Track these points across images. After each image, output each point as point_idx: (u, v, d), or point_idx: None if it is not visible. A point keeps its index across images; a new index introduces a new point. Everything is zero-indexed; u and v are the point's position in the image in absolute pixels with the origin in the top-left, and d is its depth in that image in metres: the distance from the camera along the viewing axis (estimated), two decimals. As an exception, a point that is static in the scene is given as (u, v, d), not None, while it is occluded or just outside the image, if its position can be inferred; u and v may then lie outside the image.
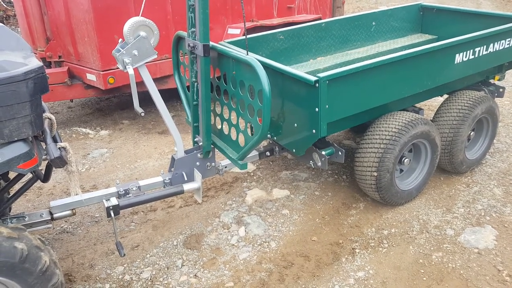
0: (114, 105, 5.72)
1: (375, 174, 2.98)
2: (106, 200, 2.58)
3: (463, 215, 3.18)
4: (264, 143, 3.49)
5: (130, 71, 2.44)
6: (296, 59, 3.93)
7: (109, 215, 2.54)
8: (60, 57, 4.83)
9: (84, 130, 4.86)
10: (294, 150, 2.92)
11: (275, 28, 5.22)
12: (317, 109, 2.55)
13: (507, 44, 3.54)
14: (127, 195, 2.70)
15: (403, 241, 2.92)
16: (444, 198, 3.40)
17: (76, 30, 4.48)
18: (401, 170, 3.35)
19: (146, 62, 2.55)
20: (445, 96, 3.80)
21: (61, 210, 2.55)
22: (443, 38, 3.46)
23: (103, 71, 4.37)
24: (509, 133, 4.48)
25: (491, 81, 4.00)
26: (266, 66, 2.71)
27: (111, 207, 2.53)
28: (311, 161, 3.00)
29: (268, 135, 3.05)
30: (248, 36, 3.57)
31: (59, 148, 2.15)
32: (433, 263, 2.72)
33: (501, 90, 3.95)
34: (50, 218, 2.52)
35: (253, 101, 2.46)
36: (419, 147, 3.27)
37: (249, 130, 2.70)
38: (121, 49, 2.45)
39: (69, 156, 2.25)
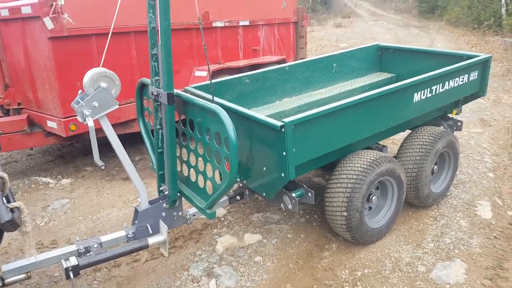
0: (76, 151, 5.52)
1: (345, 214, 2.97)
2: (65, 260, 2.41)
3: (433, 250, 3.20)
4: (234, 186, 3.43)
5: (90, 123, 2.36)
6: (263, 100, 3.98)
7: (68, 277, 2.36)
8: (19, 104, 4.65)
9: (44, 179, 4.61)
10: (264, 194, 2.88)
11: (242, 69, 5.34)
12: (284, 153, 2.55)
13: (461, 81, 3.75)
14: (88, 253, 2.52)
15: (376, 282, 2.88)
16: (414, 233, 3.43)
17: (36, 76, 4.37)
18: (370, 208, 3.37)
19: (107, 113, 2.49)
20: (408, 131, 3.93)
21: (14, 274, 2.34)
22: (401, 76, 3.63)
23: (64, 118, 4.24)
24: (470, 163, 4.67)
25: (449, 115, 4.20)
26: (232, 111, 2.71)
27: (70, 268, 2.36)
28: (282, 204, 2.96)
29: (238, 179, 3.00)
30: (214, 80, 3.60)
31: (11, 210, 2.00)
32: (408, 303, 2.69)
33: (459, 124, 4.14)
34: (1, 284, 2.30)
35: (220, 148, 2.43)
36: (385, 184, 3.32)
37: (217, 176, 2.65)
38: (80, 100, 2.39)
39: (23, 216, 2.10)
